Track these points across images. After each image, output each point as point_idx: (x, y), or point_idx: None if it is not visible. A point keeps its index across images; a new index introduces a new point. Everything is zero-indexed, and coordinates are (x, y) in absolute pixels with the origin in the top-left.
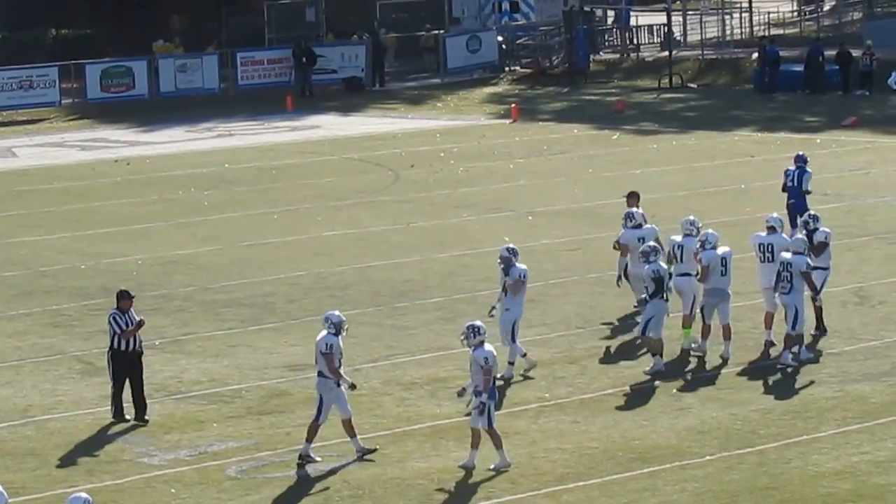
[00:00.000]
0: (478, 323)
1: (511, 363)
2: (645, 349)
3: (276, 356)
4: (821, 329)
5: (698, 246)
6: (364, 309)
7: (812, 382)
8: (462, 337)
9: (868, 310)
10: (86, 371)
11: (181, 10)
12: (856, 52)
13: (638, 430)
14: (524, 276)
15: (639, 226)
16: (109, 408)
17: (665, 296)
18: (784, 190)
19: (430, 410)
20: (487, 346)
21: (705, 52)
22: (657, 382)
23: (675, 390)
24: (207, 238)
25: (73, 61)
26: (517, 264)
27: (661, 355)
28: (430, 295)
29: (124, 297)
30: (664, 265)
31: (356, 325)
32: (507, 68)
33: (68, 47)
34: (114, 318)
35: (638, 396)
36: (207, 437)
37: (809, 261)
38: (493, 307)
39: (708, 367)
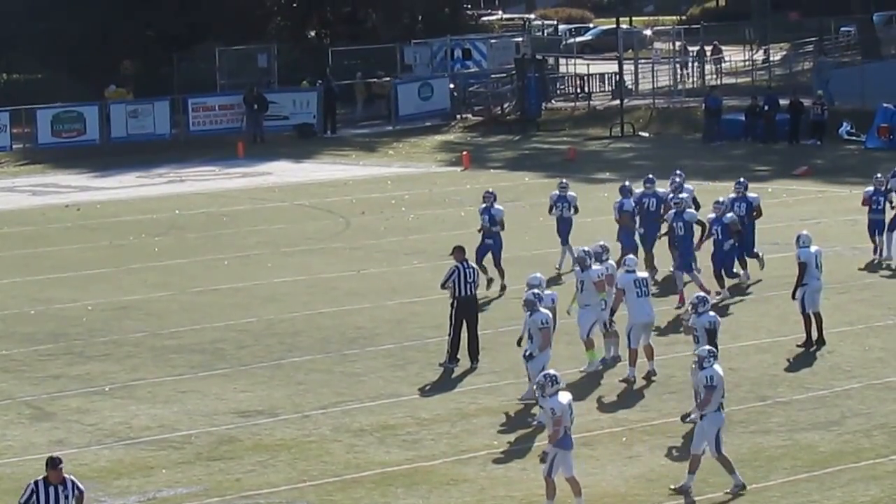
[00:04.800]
0: (552, 372)
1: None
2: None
3: (225, 402)
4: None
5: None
6: (314, 355)
7: (761, 431)
8: (536, 387)
9: (817, 359)
10: (35, 416)
11: (133, 56)
12: (807, 102)
13: (587, 478)
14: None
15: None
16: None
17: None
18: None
19: (379, 457)
20: (564, 397)
21: (657, 100)
22: (606, 430)
23: (624, 438)
24: (158, 284)
25: (24, 106)
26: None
27: None
28: (380, 342)
29: (52, 466)
30: (712, 314)
31: (306, 372)
32: (458, 116)
33: (20, 92)
34: (34, 488)
35: (587, 444)
36: (157, 482)
37: None
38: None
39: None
